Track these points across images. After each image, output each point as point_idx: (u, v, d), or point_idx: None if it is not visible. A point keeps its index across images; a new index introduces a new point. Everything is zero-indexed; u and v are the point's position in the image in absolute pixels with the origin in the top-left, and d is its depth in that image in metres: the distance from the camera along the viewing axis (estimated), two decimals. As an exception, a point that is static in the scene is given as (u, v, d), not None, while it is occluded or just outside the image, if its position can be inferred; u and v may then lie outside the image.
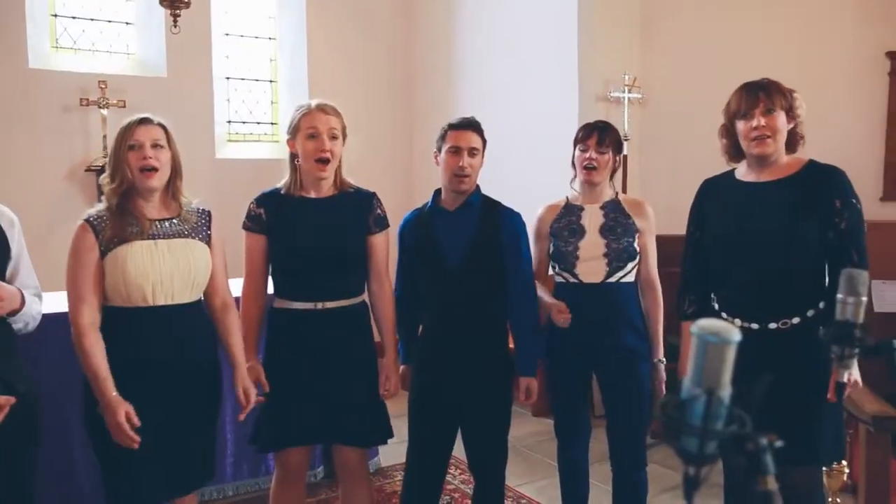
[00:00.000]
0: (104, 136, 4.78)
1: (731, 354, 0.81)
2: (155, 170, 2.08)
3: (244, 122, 5.71)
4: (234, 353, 2.24)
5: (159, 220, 2.13)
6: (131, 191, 2.09)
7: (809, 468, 2.13)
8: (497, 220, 2.49)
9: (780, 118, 2.08)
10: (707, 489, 3.10)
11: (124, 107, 4.79)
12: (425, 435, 2.54)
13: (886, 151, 4.72)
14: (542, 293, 2.60)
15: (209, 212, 2.27)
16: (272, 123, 5.83)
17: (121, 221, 2.06)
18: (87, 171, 4.82)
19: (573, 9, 4.64)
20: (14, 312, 1.97)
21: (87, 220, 2.07)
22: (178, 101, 4.85)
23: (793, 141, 2.14)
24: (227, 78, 5.60)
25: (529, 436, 4.21)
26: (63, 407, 2.70)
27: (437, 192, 2.57)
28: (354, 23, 5.80)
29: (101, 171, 4.79)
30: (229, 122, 5.63)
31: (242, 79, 5.69)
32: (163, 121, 2.16)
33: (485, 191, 2.58)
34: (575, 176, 2.63)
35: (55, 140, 4.77)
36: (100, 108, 4.79)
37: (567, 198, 2.68)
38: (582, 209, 2.60)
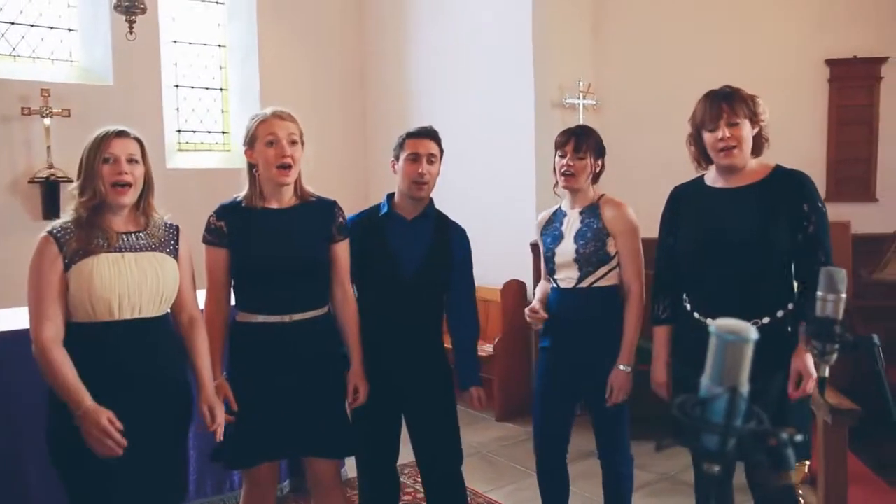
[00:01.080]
0: (48, 147, 4.62)
1: (749, 352, 0.83)
2: (129, 185, 2.01)
3: (194, 132, 5.59)
4: (201, 373, 2.18)
5: (126, 233, 2.06)
6: (101, 204, 2.01)
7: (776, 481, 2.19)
8: (448, 234, 2.55)
9: (745, 127, 2.14)
10: (679, 487, 3.16)
11: (69, 116, 4.65)
12: (370, 440, 2.51)
13: (828, 154, 4.93)
14: (537, 295, 2.70)
15: (177, 226, 2.21)
16: (223, 132, 5.72)
17: (87, 234, 1.98)
18: (30, 182, 4.64)
19: (527, 16, 4.70)
20: None
21: (50, 233, 1.99)
22: (126, 109, 4.71)
23: (758, 144, 2.20)
24: (177, 86, 5.48)
25: (494, 441, 4.23)
26: (14, 432, 2.60)
27: (390, 197, 2.56)
28: (306, 30, 5.75)
29: (45, 182, 4.63)
30: (179, 131, 5.50)
31: (192, 87, 5.57)
32: (139, 135, 2.09)
33: (442, 198, 2.62)
34: (556, 182, 2.65)
35: (-5, 150, 4.58)
36: (42, 117, 4.61)
37: (560, 204, 2.69)
38: (565, 214, 2.63)
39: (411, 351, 2.48)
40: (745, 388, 0.82)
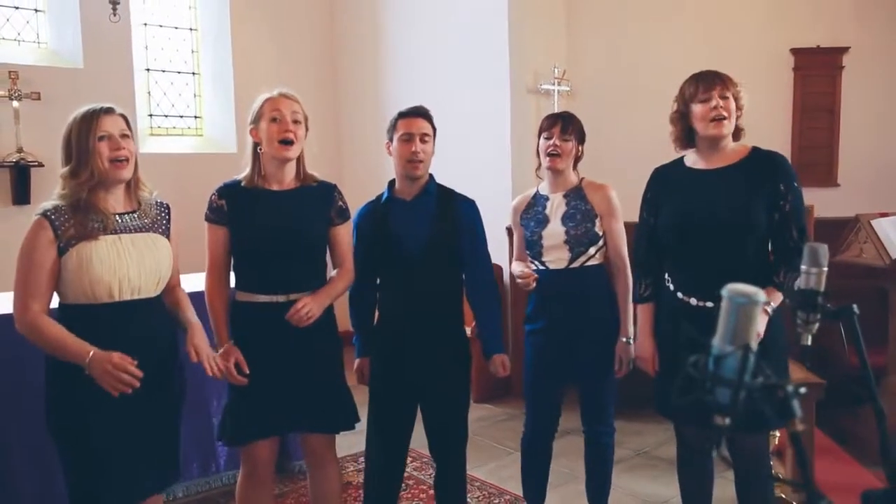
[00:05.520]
0: (17, 131, 4.52)
1: (757, 314, 0.90)
2: (127, 160, 2.02)
3: (166, 116, 5.53)
4: (189, 319, 2.18)
5: (120, 215, 2.07)
6: (95, 184, 2.01)
7: (759, 435, 2.30)
8: (454, 207, 2.55)
9: (733, 104, 2.25)
10: (654, 462, 3.26)
11: (38, 99, 4.56)
12: (386, 423, 2.58)
13: (792, 140, 5.09)
14: (520, 266, 2.73)
15: (168, 205, 2.22)
16: (196, 117, 5.67)
17: (84, 217, 1.98)
18: (0, 166, 4.55)
19: (503, 2, 4.74)
20: None
21: (44, 215, 1.97)
22: (96, 93, 4.47)
23: (736, 130, 2.30)
24: (147, 70, 5.40)
25: (474, 421, 4.25)
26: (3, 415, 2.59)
27: (392, 183, 2.59)
28: (278, 13, 5.71)
29: (14, 166, 4.54)
30: (151, 115, 5.44)
31: (163, 71, 5.50)
32: (123, 111, 2.09)
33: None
34: (539, 165, 2.72)
35: (-37, 134, 4.47)
36: (11, 99, 4.52)
37: (537, 189, 2.77)
38: (547, 199, 2.70)
39: (429, 333, 2.50)
40: (754, 346, 0.89)
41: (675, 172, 2.39)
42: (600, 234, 2.63)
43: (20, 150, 4.56)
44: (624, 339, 2.62)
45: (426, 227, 2.49)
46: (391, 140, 2.52)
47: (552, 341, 2.63)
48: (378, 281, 2.61)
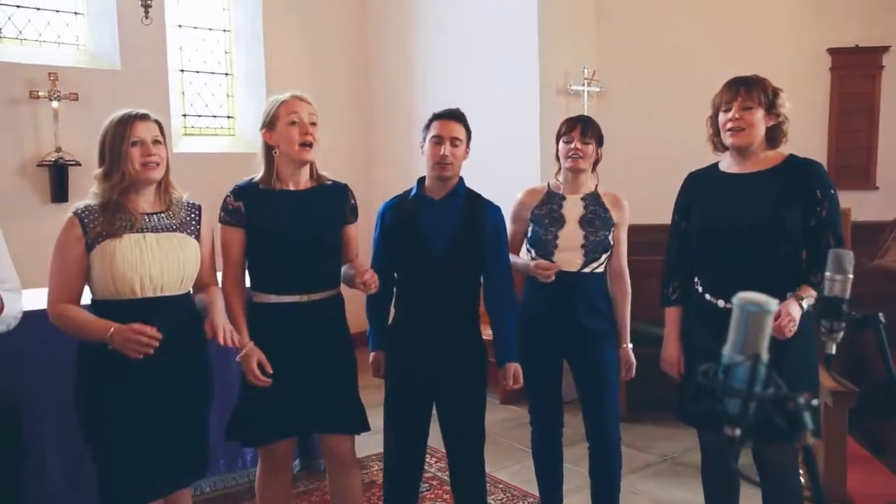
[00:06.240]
0: (56, 131, 4.64)
1: (769, 323, 0.88)
2: (157, 164, 2.09)
3: (199, 116, 5.62)
4: (213, 299, 2.19)
5: (149, 214, 2.13)
6: (126, 186, 2.08)
7: (785, 445, 2.25)
8: (480, 212, 2.56)
9: (757, 114, 2.21)
10: (681, 468, 3.23)
11: (76, 100, 4.67)
12: (403, 421, 2.59)
13: (829, 142, 4.98)
14: (514, 258, 2.73)
15: (199, 206, 2.27)
16: (228, 117, 5.75)
17: (112, 216, 2.05)
18: (38, 165, 4.67)
19: (533, 3, 4.71)
20: None
21: (75, 214, 2.06)
22: (133, 94, 4.70)
23: (775, 137, 2.27)
24: (182, 70, 5.50)
25: (499, 423, 4.29)
26: (38, 407, 2.65)
27: (421, 181, 2.61)
28: (311, 15, 5.76)
29: (53, 165, 4.65)
30: (185, 115, 5.53)
31: (197, 72, 5.59)
32: (157, 117, 2.16)
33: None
34: (559, 168, 2.71)
35: (4, 134, 4.59)
36: (50, 100, 4.64)
37: (549, 184, 2.76)
38: (563, 199, 2.69)
39: (446, 332, 2.51)
40: (765, 356, 0.88)
41: (709, 176, 2.39)
42: (612, 243, 2.67)
43: (58, 150, 4.67)
44: (624, 345, 2.69)
45: (452, 227, 2.50)
46: (424, 140, 2.54)
47: (547, 327, 2.65)
48: (396, 275, 2.61)
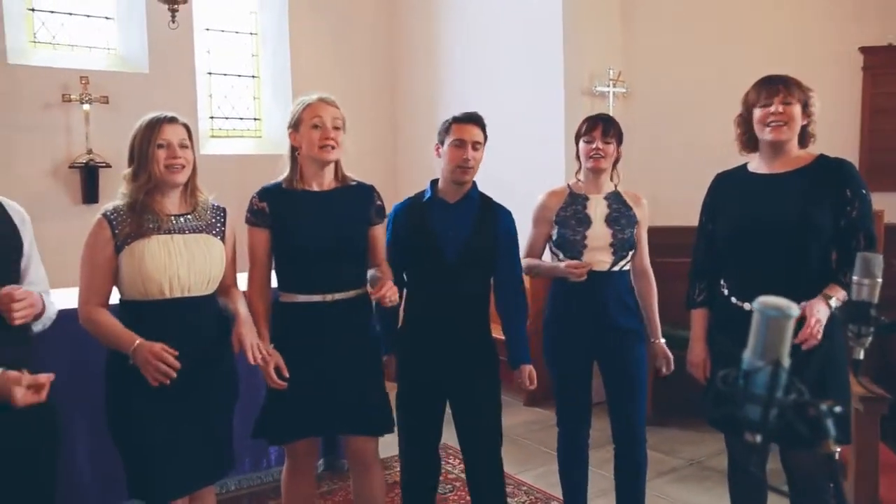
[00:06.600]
0: (87, 133, 4.73)
1: (790, 328, 0.87)
2: (182, 167, 2.12)
3: (227, 118, 5.68)
4: (238, 309, 2.21)
5: (175, 216, 2.16)
6: (153, 187, 2.12)
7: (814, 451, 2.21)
8: (493, 216, 2.58)
9: (796, 109, 2.19)
10: (707, 473, 3.19)
11: (107, 103, 4.76)
12: (415, 422, 2.60)
13: (861, 142, 4.88)
14: (538, 262, 2.75)
15: (224, 208, 2.30)
16: (255, 119, 5.81)
17: (139, 217, 2.09)
18: (70, 167, 4.76)
19: (557, 3, 4.70)
20: (38, 317, 1.97)
21: (104, 215, 2.10)
22: (161, 96, 4.79)
23: (804, 137, 2.24)
24: (209, 73, 5.56)
25: (522, 424, 4.28)
26: (66, 405, 2.69)
27: (434, 183, 2.61)
28: (337, 18, 5.79)
29: (84, 167, 4.74)
30: (212, 117, 5.60)
31: (224, 74, 5.65)
32: (186, 121, 2.19)
33: (470, 185, 2.65)
34: (580, 168, 2.71)
35: (37, 136, 4.69)
36: (82, 103, 4.73)
37: (569, 186, 2.74)
38: (587, 199, 2.68)
39: (457, 334, 2.52)
40: (786, 361, 0.86)
41: (737, 177, 2.35)
42: (635, 240, 2.68)
43: (89, 152, 4.76)
44: (657, 341, 2.71)
45: (466, 230, 2.52)
46: (441, 143, 2.54)
47: (579, 327, 2.64)
48: (405, 278, 2.61)
